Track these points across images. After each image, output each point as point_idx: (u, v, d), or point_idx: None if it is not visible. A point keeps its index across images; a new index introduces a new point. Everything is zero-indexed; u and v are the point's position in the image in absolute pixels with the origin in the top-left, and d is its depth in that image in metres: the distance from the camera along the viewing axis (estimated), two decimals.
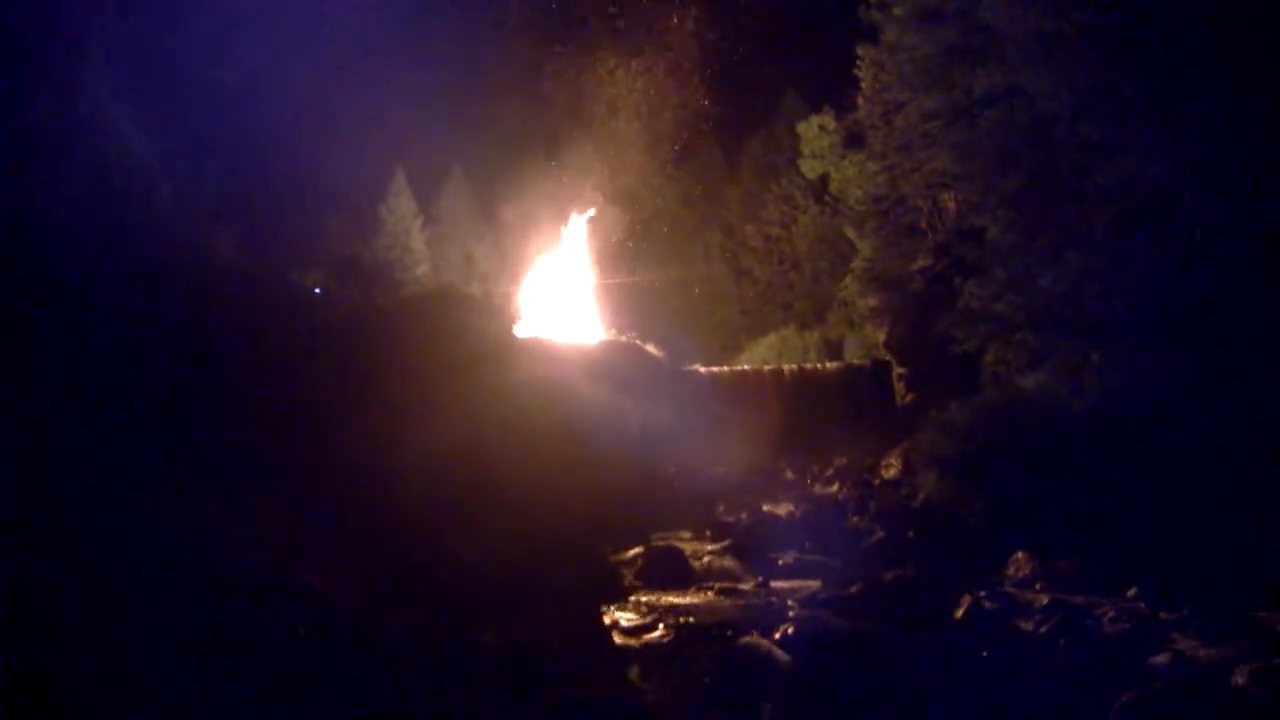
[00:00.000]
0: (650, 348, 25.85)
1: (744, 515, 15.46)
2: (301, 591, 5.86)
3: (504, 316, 20.66)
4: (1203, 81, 14.29)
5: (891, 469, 19.44)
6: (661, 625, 9.09)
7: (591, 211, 33.43)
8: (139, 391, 7.58)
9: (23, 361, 6.91)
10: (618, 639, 8.64)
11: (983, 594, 9.35)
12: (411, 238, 35.92)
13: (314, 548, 6.78)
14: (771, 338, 32.82)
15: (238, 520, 6.40)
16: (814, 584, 10.74)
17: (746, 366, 28.35)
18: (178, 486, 6.36)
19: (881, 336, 25.73)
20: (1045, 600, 9.37)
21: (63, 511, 5.57)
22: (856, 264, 27.41)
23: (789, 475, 20.66)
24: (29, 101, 10.93)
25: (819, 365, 27.32)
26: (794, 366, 26.89)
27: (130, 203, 10.75)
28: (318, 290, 18.19)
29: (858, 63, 25.58)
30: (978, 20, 19.01)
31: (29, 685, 4.09)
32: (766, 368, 27.22)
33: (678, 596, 10.53)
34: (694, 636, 8.56)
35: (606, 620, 9.18)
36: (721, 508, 16.25)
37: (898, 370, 24.69)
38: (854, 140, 27.74)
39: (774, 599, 10.30)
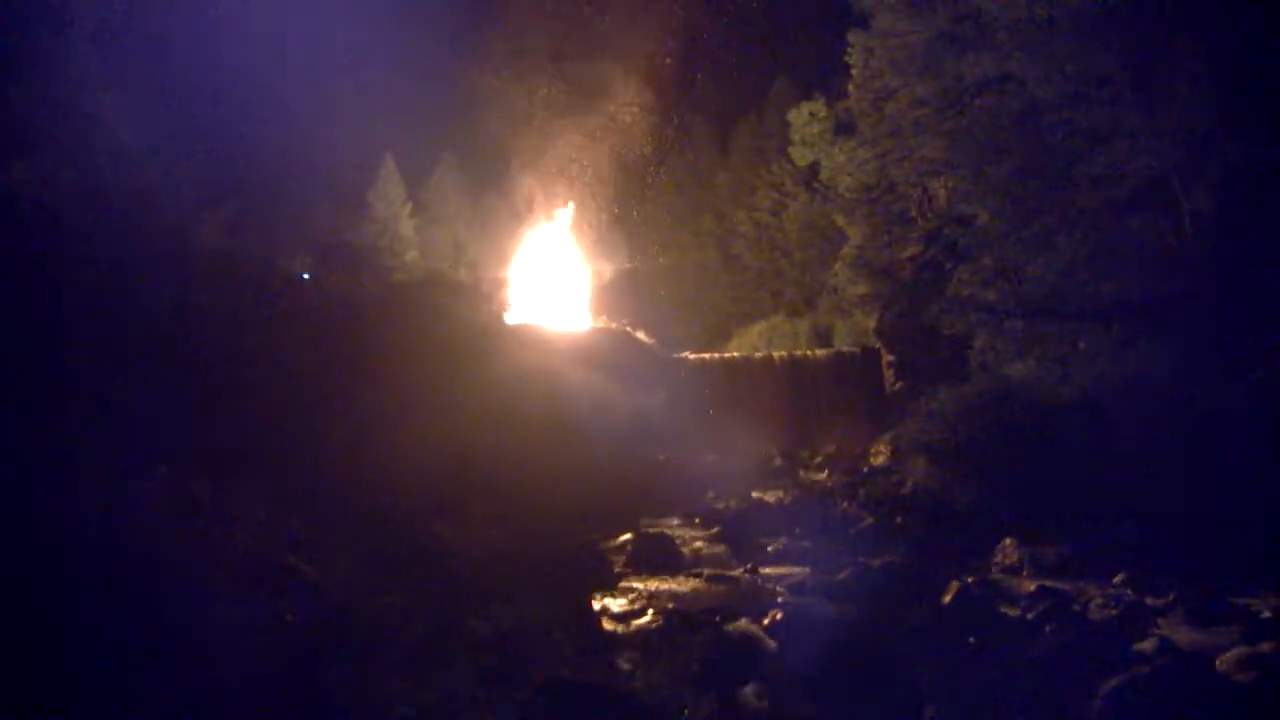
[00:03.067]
0: (640, 335, 25.82)
1: (733, 502, 15.49)
2: (292, 577, 5.84)
3: (493, 303, 20.61)
4: (1193, 69, 14.30)
5: (880, 456, 19.52)
6: (651, 611, 9.09)
7: (580, 200, 33.39)
8: (124, 377, 7.52)
9: (5, 346, 6.85)
10: (607, 625, 8.65)
11: (970, 580, 9.40)
12: (400, 223, 35.72)
13: (304, 533, 6.76)
14: (761, 325, 32.83)
15: (228, 506, 6.37)
16: (803, 570, 10.77)
17: (736, 354, 28.35)
18: (166, 473, 6.33)
19: (871, 324, 25.76)
20: (1032, 587, 9.43)
21: (46, 500, 5.53)
22: (846, 251, 27.39)
23: (779, 462, 20.69)
24: (12, 84, 10.81)
25: (809, 352, 27.33)
26: (784, 354, 26.90)
27: (116, 187, 10.64)
28: (305, 276, 18.08)
29: (848, 49, 25.46)
30: (969, 6, 18.96)
31: (21, 675, 4.07)
32: (756, 355, 27.23)
33: (667, 583, 10.55)
34: (683, 623, 8.56)
35: (596, 606, 9.19)
36: (711, 494, 16.28)
37: (887, 358, 24.74)
38: (844, 127, 27.65)
39: (763, 585, 10.33)
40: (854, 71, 25.59)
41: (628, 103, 34.35)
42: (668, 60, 33.52)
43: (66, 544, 5.11)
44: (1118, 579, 9.70)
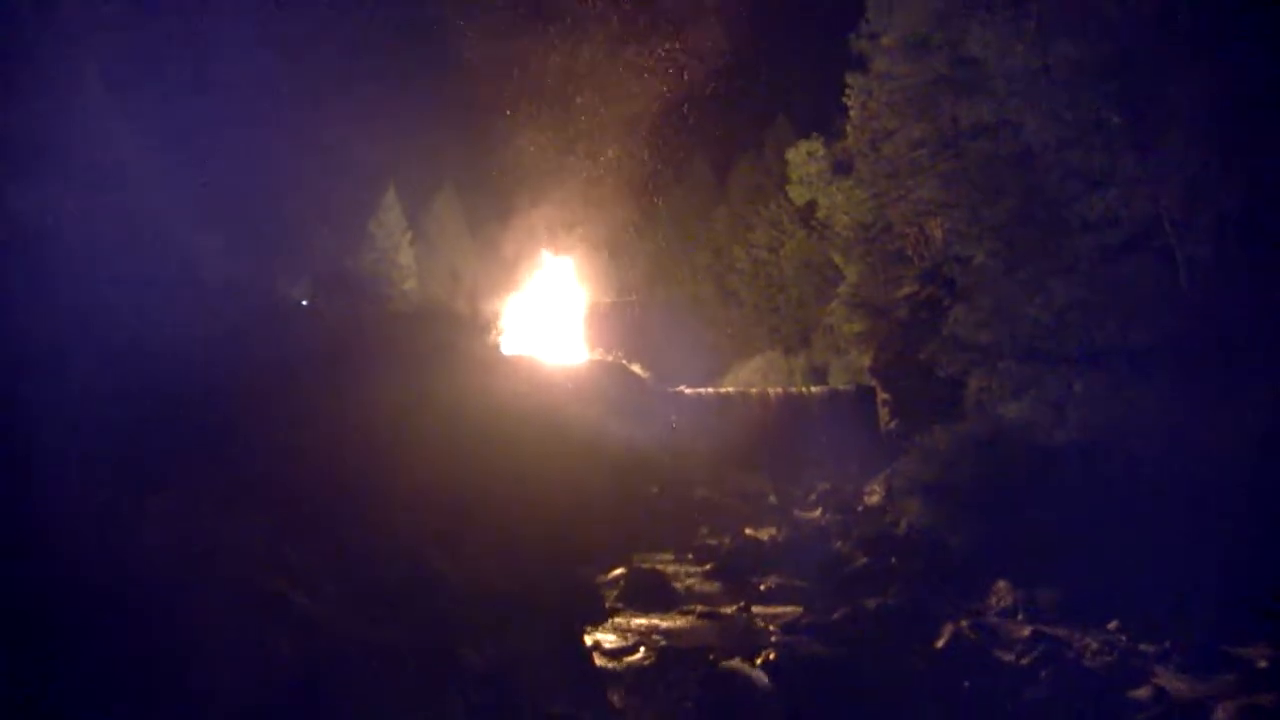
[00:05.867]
0: (636, 368, 25.85)
1: (727, 539, 15.43)
2: (288, 608, 5.80)
3: (490, 334, 20.61)
4: (1188, 117, 14.49)
5: (875, 495, 19.46)
6: (643, 648, 9.05)
7: (579, 233, 33.62)
8: (122, 403, 7.50)
9: (2, 370, 6.84)
10: (599, 660, 8.60)
11: (965, 624, 9.37)
12: (400, 253, 35.87)
13: (299, 564, 6.73)
14: (757, 361, 32.89)
15: (223, 536, 6.34)
16: (796, 610, 10.74)
17: (731, 389, 28.38)
18: (162, 501, 6.30)
19: (866, 362, 25.81)
20: (1027, 631, 9.40)
21: (44, 529, 5.50)
22: (842, 289, 27.53)
23: (772, 499, 20.63)
24: (20, 107, 10.88)
25: (804, 389, 27.37)
26: (779, 390, 26.93)
27: (119, 212, 10.69)
28: (304, 303, 18.11)
29: (847, 91, 25.79)
30: (965, 52, 19.24)
31: (21, 699, 4.03)
32: (752, 391, 27.26)
33: (660, 619, 10.50)
34: (676, 660, 8.53)
35: (588, 641, 9.14)
36: (705, 530, 16.23)
37: (882, 396, 24.76)
38: (842, 167, 27.94)
39: (756, 624, 10.28)
40: (852, 113, 25.89)
41: (629, 138, 34.65)
42: (669, 97, 33.87)
43: (64, 572, 5.07)
44: (1112, 625, 9.68)
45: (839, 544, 14.73)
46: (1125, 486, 11.68)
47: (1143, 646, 8.89)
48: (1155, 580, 9.97)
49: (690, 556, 14.15)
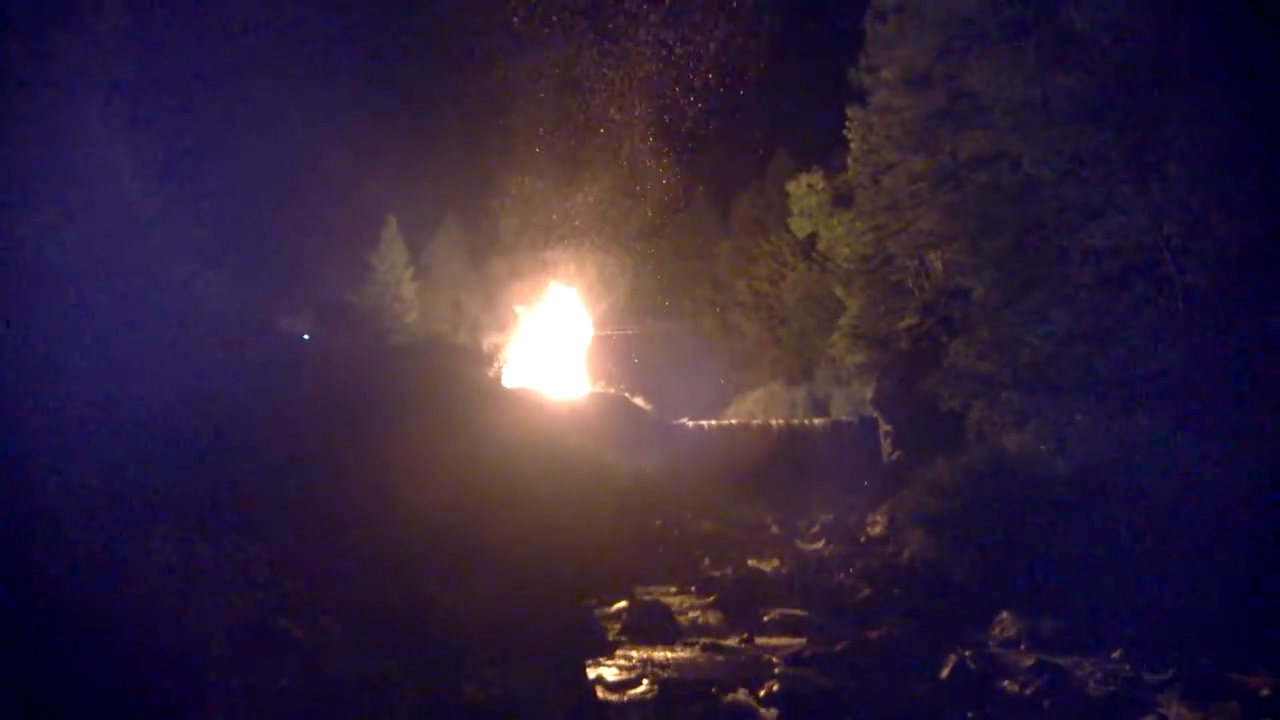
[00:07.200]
0: (638, 400, 25.87)
1: (730, 570, 15.37)
2: (288, 642, 5.80)
3: (492, 366, 20.68)
4: (1184, 148, 14.63)
5: (877, 526, 19.40)
6: (645, 681, 9.01)
7: (580, 265, 33.78)
8: (124, 435, 7.54)
9: (2, 400, 6.89)
10: (601, 694, 8.56)
11: (968, 654, 9.32)
12: (402, 286, 36.06)
13: (300, 597, 6.74)
14: (759, 393, 32.90)
15: (226, 568, 6.36)
16: (799, 641, 10.69)
17: (734, 421, 28.36)
18: (164, 533, 6.32)
19: (868, 394, 25.82)
20: (1030, 661, 9.36)
21: (43, 561, 5.52)
22: (844, 321, 27.58)
23: (775, 530, 20.56)
24: (26, 142, 11.00)
25: (806, 421, 27.35)
26: (781, 422, 26.91)
27: (125, 246, 10.80)
28: (305, 336, 18.21)
29: (847, 124, 26.00)
30: (964, 85, 19.46)
31: None
32: (754, 423, 27.24)
33: (662, 651, 10.45)
34: (678, 693, 8.49)
35: (590, 674, 9.10)
36: (707, 562, 16.17)
37: (884, 427, 24.76)
38: (842, 200, 28.11)
39: (759, 655, 10.24)
40: (852, 146, 26.06)
41: (630, 171, 34.89)
42: (671, 131, 34.13)
43: (63, 605, 5.09)
44: (1116, 654, 9.63)
45: (842, 575, 14.67)
46: (1127, 515, 11.66)
47: (1146, 675, 8.84)
48: (1158, 609, 9.94)
49: (693, 588, 14.09)
